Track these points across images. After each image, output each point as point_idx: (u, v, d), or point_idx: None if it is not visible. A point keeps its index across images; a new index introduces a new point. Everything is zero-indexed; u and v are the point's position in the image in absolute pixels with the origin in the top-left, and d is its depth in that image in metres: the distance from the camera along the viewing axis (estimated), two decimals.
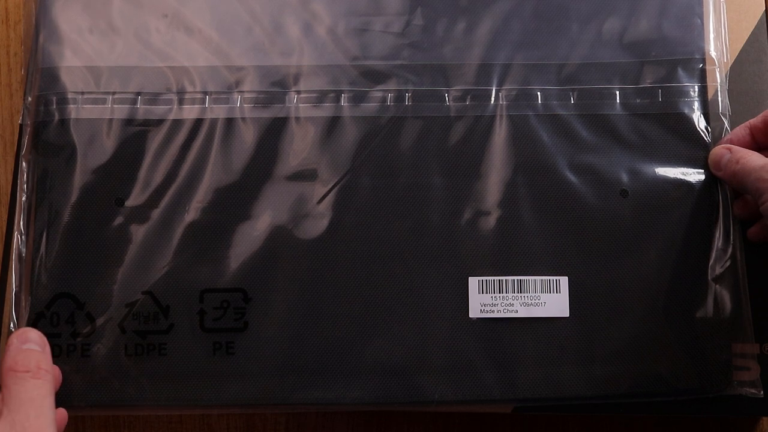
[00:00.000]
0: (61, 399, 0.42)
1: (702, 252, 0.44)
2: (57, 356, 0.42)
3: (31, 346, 0.38)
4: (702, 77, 0.46)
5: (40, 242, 0.43)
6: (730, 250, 0.44)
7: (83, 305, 0.43)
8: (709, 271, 0.44)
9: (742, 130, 0.45)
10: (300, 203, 0.44)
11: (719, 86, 0.46)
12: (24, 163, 0.44)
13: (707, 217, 0.44)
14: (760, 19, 0.48)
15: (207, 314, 0.43)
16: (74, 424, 0.48)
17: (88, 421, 0.48)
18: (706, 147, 0.45)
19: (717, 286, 0.44)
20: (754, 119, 0.44)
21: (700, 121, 0.45)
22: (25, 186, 0.44)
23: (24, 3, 0.47)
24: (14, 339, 0.38)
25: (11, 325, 0.43)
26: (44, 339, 0.39)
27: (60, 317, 0.43)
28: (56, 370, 0.40)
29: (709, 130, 0.45)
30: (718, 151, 0.44)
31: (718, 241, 0.44)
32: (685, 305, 0.43)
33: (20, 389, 0.35)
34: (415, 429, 0.49)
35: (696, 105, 0.46)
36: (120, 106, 0.45)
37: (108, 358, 0.42)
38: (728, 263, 0.44)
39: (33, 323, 0.43)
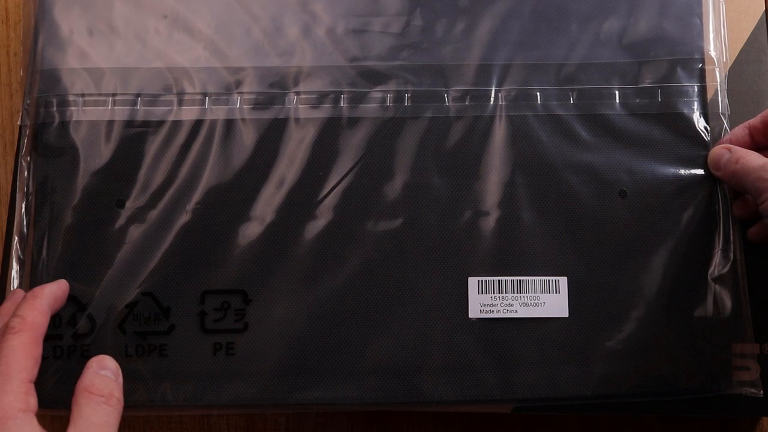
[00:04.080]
0: (62, 400, 0.42)
1: (701, 252, 0.44)
2: (59, 358, 0.43)
3: (108, 373, 0.38)
4: (701, 77, 0.46)
5: (41, 244, 0.44)
6: (730, 251, 0.44)
7: (85, 307, 0.43)
8: (709, 271, 0.44)
9: (740, 130, 0.45)
10: (300, 204, 0.44)
11: (719, 86, 0.46)
12: (23, 164, 0.45)
13: (707, 218, 0.44)
14: (760, 19, 0.48)
15: (207, 315, 0.43)
16: None
17: None
18: (705, 147, 0.45)
19: (717, 286, 0.44)
20: (753, 120, 0.44)
21: (699, 121, 0.45)
22: (25, 188, 0.44)
23: (23, 3, 0.47)
24: (93, 363, 0.38)
25: None
26: (119, 370, 0.39)
27: (62, 319, 0.43)
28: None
29: (709, 129, 0.45)
30: (717, 151, 0.44)
31: (717, 241, 0.44)
32: (685, 305, 0.43)
33: (92, 412, 0.36)
34: (416, 429, 0.49)
35: (695, 105, 0.45)
36: (120, 107, 0.45)
37: None
38: (728, 263, 0.44)
39: None
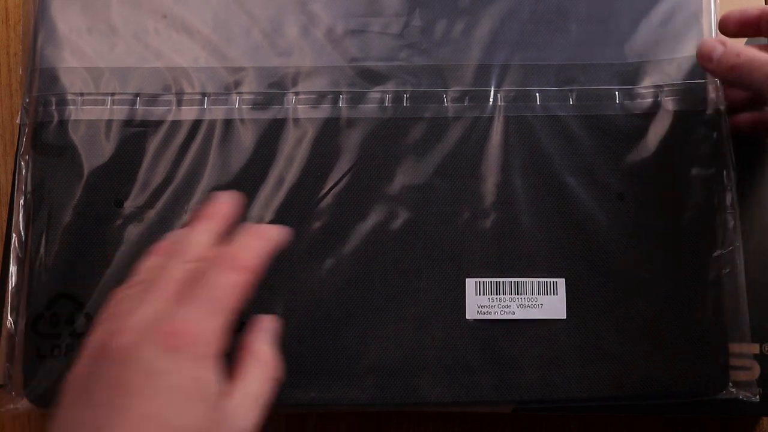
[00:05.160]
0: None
1: (700, 254, 0.44)
2: (56, 357, 0.43)
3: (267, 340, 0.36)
4: (701, 76, 0.46)
5: (39, 243, 0.44)
6: (729, 253, 0.44)
7: (83, 306, 0.43)
8: (708, 273, 0.44)
9: (734, 14, 0.44)
10: (298, 204, 0.44)
11: (718, 85, 0.45)
12: (22, 163, 0.45)
13: (706, 219, 0.44)
14: None
15: None
16: None
17: None
18: (706, 147, 0.45)
19: (715, 289, 0.43)
20: (751, 9, 0.43)
21: (698, 122, 0.45)
22: (24, 186, 0.44)
23: (23, 2, 0.47)
24: (262, 324, 0.37)
25: (10, 325, 0.43)
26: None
27: (60, 318, 0.43)
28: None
29: (709, 130, 0.45)
30: (709, 42, 0.43)
31: (717, 243, 0.44)
32: (683, 308, 0.43)
33: (262, 382, 0.34)
34: (415, 428, 0.49)
35: (695, 105, 0.45)
36: (119, 107, 0.45)
37: None
38: (727, 266, 0.44)
39: (32, 324, 0.43)
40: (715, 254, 0.44)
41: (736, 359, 0.43)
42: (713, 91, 0.45)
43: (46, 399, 0.43)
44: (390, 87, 0.46)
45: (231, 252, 0.34)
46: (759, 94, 0.42)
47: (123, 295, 0.34)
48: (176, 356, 0.30)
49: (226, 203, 0.37)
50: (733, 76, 0.42)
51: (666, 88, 0.45)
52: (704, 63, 0.43)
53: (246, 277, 0.33)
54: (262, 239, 0.35)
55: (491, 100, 0.45)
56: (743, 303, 0.44)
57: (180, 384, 0.30)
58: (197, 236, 0.35)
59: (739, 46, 0.42)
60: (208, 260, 0.34)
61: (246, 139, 0.45)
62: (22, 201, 0.44)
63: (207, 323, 0.31)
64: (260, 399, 0.33)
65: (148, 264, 0.35)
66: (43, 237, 0.44)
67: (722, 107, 0.45)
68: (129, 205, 0.44)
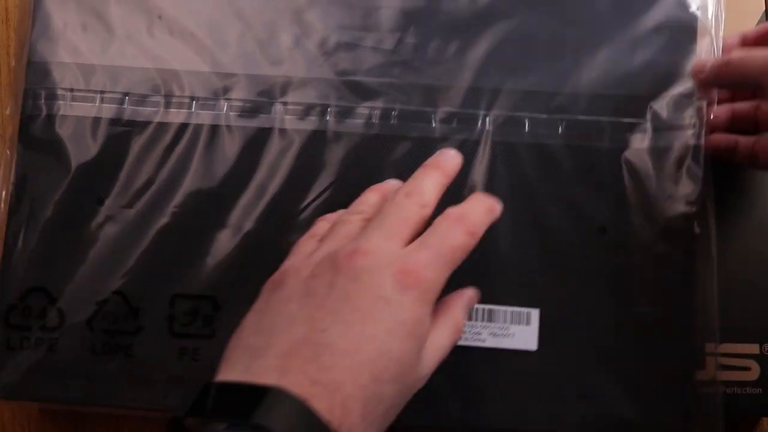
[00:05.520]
0: (26, 392, 0.43)
1: (680, 292, 0.43)
2: (26, 349, 0.43)
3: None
4: (695, 113, 0.45)
5: (18, 235, 0.44)
6: (705, 289, 0.43)
7: (56, 300, 0.43)
8: (685, 312, 0.43)
9: (732, 38, 0.44)
10: (278, 215, 0.44)
11: (703, 120, 0.44)
12: (8, 154, 0.45)
13: (686, 258, 0.43)
14: (760, 19, 0.48)
15: (176, 319, 0.43)
16: (74, 424, 0.48)
17: (88, 417, 0.48)
18: (694, 185, 0.44)
19: (693, 326, 0.43)
20: (749, 30, 0.43)
21: (688, 159, 0.44)
22: (11, 178, 0.44)
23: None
24: (467, 296, 0.38)
25: None
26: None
27: (32, 310, 0.43)
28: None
29: (698, 168, 0.44)
30: (702, 58, 0.44)
31: (698, 281, 0.43)
32: (656, 351, 0.43)
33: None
34: None
35: (686, 142, 0.44)
36: (108, 105, 0.45)
37: (75, 355, 0.43)
38: (703, 304, 0.43)
39: (4, 315, 0.43)
40: (697, 290, 0.43)
41: (735, 359, 0.43)
42: (698, 128, 0.44)
43: (14, 391, 0.43)
44: (379, 103, 0.45)
45: (463, 213, 0.35)
46: (755, 88, 0.42)
47: (344, 218, 0.37)
48: (405, 293, 0.32)
49: (454, 158, 0.39)
50: (725, 72, 0.41)
51: (657, 124, 0.45)
52: (697, 76, 0.43)
53: (472, 242, 0.35)
54: (490, 211, 0.37)
55: (479, 123, 0.45)
56: (714, 342, 0.43)
57: (403, 319, 0.32)
58: (429, 184, 0.36)
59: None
60: (441, 213, 0.35)
61: (231, 145, 0.45)
62: (3, 192, 0.44)
63: (436, 272, 0.33)
64: (442, 354, 0.35)
65: (370, 199, 0.38)
66: (22, 229, 0.44)
67: (704, 144, 0.44)
68: (109, 204, 0.44)
